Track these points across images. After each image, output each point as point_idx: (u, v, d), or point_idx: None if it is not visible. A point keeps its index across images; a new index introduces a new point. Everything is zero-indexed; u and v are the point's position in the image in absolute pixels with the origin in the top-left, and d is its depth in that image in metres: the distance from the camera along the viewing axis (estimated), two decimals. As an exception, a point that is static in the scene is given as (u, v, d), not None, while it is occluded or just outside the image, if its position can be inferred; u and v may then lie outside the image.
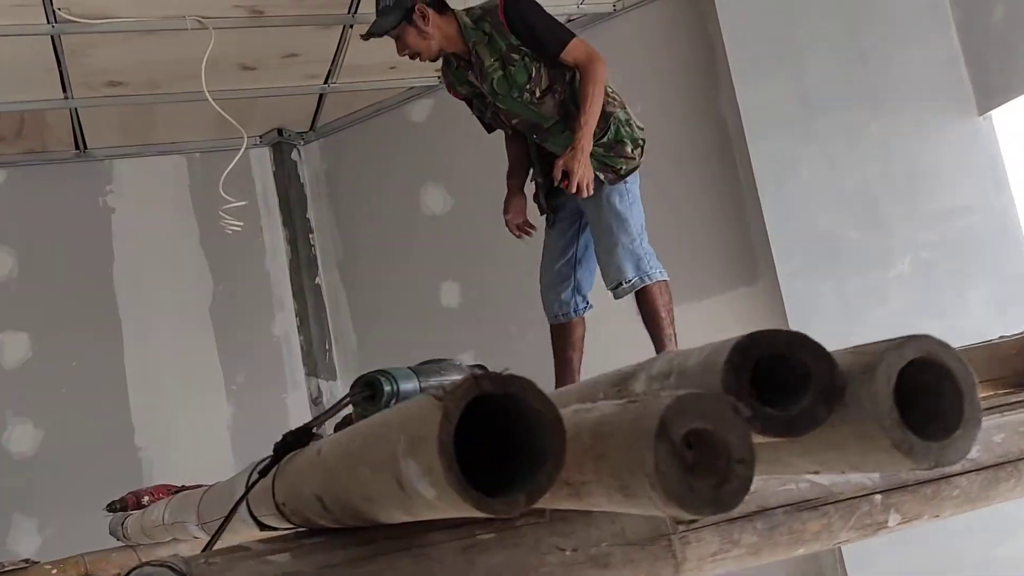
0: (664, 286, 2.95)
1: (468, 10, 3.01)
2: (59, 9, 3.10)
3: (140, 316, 4.52)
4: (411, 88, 4.56)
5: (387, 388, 0.95)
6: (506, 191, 3.19)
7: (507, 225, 3.18)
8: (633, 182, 2.98)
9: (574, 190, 2.80)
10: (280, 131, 4.82)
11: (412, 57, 3.00)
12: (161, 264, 4.60)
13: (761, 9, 3.60)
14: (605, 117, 2.93)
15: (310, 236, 4.93)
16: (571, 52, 2.89)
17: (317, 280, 4.89)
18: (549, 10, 3.81)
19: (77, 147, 4.48)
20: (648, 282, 2.91)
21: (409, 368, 0.99)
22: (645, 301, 2.94)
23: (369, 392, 0.95)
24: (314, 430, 0.90)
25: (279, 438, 0.90)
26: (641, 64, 4.01)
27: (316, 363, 4.79)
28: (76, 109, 4.04)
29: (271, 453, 0.90)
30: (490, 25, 2.91)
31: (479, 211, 3.98)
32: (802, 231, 3.62)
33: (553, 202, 3.07)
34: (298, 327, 4.82)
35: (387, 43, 3.00)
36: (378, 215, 4.79)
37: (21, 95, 3.77)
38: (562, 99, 2.93)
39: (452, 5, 3.00)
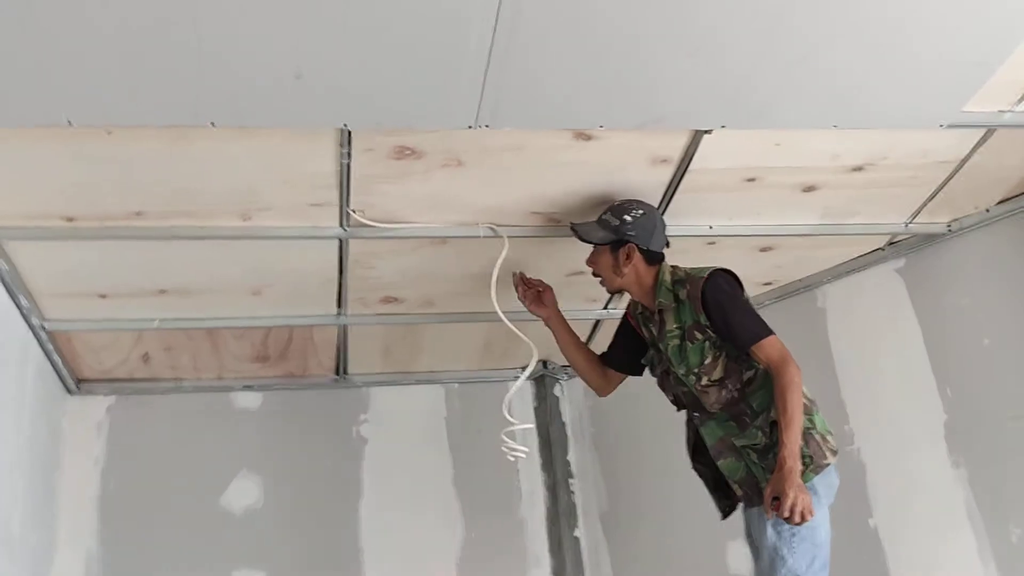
0: None
1: (675, 268, 2.86)
2: (354, 211, 2.90)
3: (384, 561, 4.04)
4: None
5: None
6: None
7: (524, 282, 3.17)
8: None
9: (796, 518, 2.39)
10: (545, 363, 4.44)
11: (594, 275, 2.96)
12: (410, 503, 4.16)
13: None
14: (770, 423, 2.55)
15: (570, 482, 4.39)
16: (764, 348, 2.64)
17: (576, 533, 4.29)
18: (866, 229, 3.43)
19: (337, 372, 4.25)
20: None
21: None
22: None
23: None
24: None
25: None
26: (983, 292, 3.36)
27: (573, 634, 4.09)
28: (346, 327, 3.81)
29: None
30: (686, 293, 2.75)
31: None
32: None
33: (723, 503, 2.84)
34: (554, 587, 4.18)
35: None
36: (649, 461, 4.20)
37: (296, 309, 3.58)
38: (731, 397, 2.68)
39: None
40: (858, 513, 3.50)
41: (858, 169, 3.00)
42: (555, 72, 2.35)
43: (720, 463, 2.70)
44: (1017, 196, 3.28)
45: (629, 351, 3.07)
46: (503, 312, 3.17)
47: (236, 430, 4.19)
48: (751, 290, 2.86)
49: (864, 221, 3.34)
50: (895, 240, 3.55)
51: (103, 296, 3.33)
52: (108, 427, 4.07)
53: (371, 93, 2.33)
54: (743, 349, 2.68)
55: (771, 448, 2.61)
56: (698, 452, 2.84)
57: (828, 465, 2.62)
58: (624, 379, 3.19)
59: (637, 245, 2.83)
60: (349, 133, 2.54)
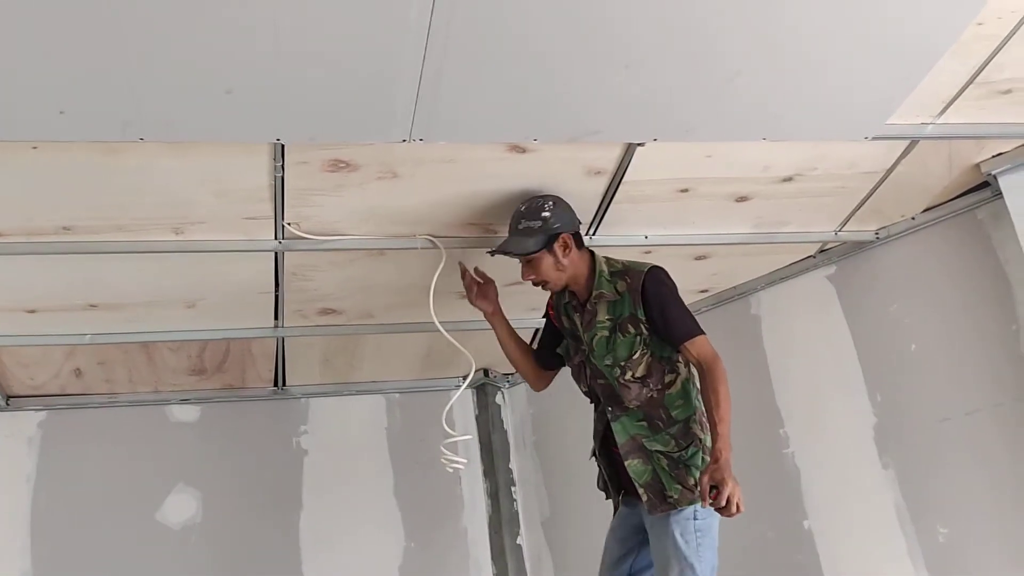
0: None
1: (610, 260, 2.86)
2: (289, 224, 2.88)
3: (325, 573, 4.02)
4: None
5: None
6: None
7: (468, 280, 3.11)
8: (705, 518, 2.63)
9: (732, 509, 2.41)
10: (486, 371, 4.45)
11: (536, 284, 2.85)
12: (351, 514, 4.15)
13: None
14: (690, 436, 2.62)
15: (512, 489, 4.40)
16: (697, 344, 2.67)
17: (519, 540, 4.30)
18: (797, 238, 3.51)
19: (276, 384, 4.21)
20: None
21: None
22: None
23: None
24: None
25: None
26: (911, 298, 3.45)
27: (516, 641, 4.11)
28: (284, 340, 3.78)
29: None
30: (625, 285, 2.75)
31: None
32: None
33: (618, 497, 2.89)
34: (496, 595, 4.20)
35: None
36: (591, 467, 4.22)
37: (232, 322, 3.53)
38: (650, 397, 2.71)
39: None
40: (793, 516, 3.57)
41: (788, 180, 3.06)
42: (487, 87, 2.35)
43: (628, 463, 2.71)
44: (941, 204, 3.38)
45: (555, 348, 3.06)
46: (441, 323, 3.16)
47: (173, 444, 4.13)
48: (687, 298, 2.90)
49: (795, 230, 3.41)
50: (826, 248, 3.63)
51: (32, 311, 3.26)
52: (40, 443, 3.99)
53: (304, 108, 2.32)
54: (677, 344, 2.69)
55: (684, 460, 2.66)
56: (603, 445, 2.85)
57: None
58: (559, 371, 3.17)
59: (570, 233, 2.82)
60: (283, 147, 2.52)
